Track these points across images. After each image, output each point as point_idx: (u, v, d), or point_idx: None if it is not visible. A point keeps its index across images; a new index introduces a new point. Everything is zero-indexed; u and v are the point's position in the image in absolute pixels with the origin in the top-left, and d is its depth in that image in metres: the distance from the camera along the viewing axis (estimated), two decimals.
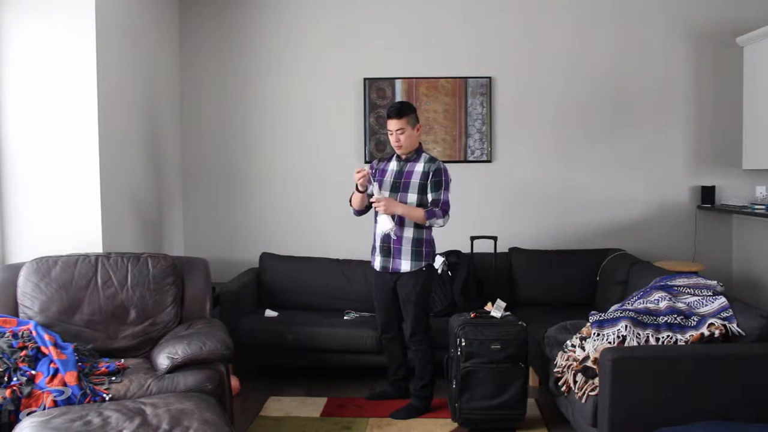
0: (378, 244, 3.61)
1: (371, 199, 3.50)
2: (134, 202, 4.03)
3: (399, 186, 3.56)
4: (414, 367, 3.68)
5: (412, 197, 3.52)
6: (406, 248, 3.53)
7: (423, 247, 3.56)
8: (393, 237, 3.51)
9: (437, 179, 3.53)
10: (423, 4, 4.80)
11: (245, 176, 4.89)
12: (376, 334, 3.99)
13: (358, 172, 3.48)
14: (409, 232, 3.53)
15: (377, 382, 4.02)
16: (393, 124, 3.53)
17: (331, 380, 4.16)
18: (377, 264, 3.64)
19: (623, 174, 4.81)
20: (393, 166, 3.64)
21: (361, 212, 3.74)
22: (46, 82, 3.51)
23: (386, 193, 3.54)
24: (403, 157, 3.61)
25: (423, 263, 3.56)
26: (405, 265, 3.55)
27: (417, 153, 3.61)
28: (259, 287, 4.61)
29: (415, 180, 3.54)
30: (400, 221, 3.52)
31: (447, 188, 3.56)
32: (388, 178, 3.60)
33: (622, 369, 2.70)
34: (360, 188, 3.56)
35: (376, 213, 3.59)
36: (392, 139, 3.56)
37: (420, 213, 3.48)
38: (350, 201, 3.71)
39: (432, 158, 3.62)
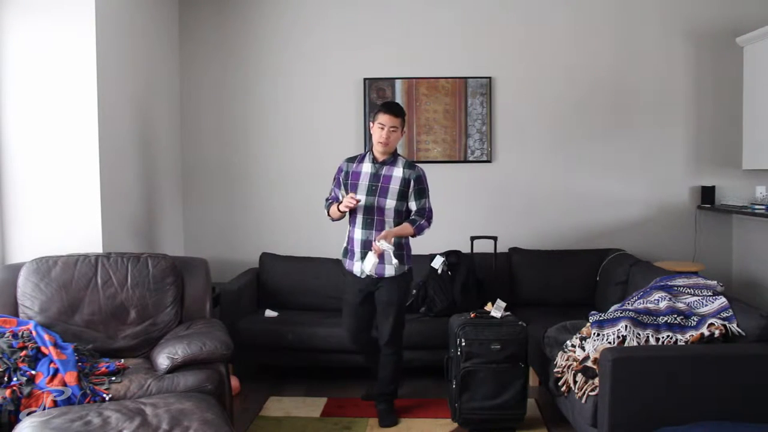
0: (358, 249, 3.46)
1: (377, 247, 3.29)
2: (134, 203, 4.03)
3: (376, 190, 3.43)
4: (382, 370, 3.59)
5: (390, 203, 3.42)
6: (384, 254, 3.42)
7: (404, 251, 3.50)
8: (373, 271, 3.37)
9: (420, 187, 3.48)
10: (423, 4, 4.80)
11: (245, 176, 4.89)
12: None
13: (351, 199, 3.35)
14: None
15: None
16: (389, 120, 3.41)
17: (331, 380, 4.16)
18: (358, 269, 3.49)
19: (623, 174, 4.81)
20: (368, 168, 3.49)
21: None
22: (46, 82, 3.51)
23: (358, 210, 3.44)
24: (381, 159, 3.48)
25: (405, 267, 3.51)
26: (390, 270, 3.44)
27: (393, 156, 3.50)
28: (259, 287, 4.61)
29: (395, 186, 3.43)
30: (380, 227, 3.42)
31: (428, 195, 3.52)
32: (363, 182, 3.46)
33: (622, 369, 2.70)
34: (342, 209, 3.41)
35: (353, 219, 3.48)
36: (381, 134, 3.41)
37: (410, 230, 3.42)
38: (328, 212, 3.56)
39: (411, 164, 3.53)
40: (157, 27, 4.48)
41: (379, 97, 4.78)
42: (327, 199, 3.62)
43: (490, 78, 4.79)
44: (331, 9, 4.81)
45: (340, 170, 3.59)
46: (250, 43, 4.84)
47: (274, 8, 4.83)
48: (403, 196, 3.45)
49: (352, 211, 3.47)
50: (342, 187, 3.55)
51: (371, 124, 3.51)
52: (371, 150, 3.54)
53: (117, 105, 3.78)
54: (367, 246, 3.41)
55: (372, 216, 3.43)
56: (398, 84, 4.79)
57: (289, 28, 4.83)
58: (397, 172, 3.46)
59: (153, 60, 4.38)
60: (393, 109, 3.46)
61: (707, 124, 4.77)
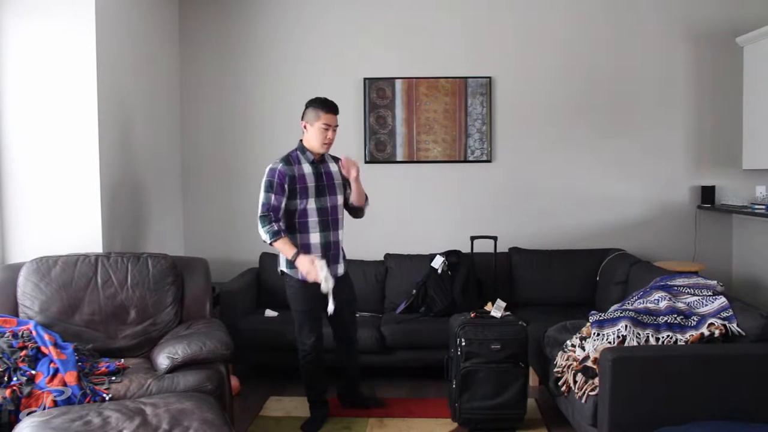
0: (319, 253, 3.32)
1: (350, 179, 3.40)
2: (134, 202, 4.03)
3: (325, 190, 3.38)
4: (350, 373, 3.68)
5: (340, 198, 3.46)
6: (340, 252, 3.47)
7: (343, 247, 3.55)
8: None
9: None
10: (423, 4, 4.80)
11: (245, 176, 4.88)
12: (376, 334, 4.01)
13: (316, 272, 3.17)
14: (341, 235, 3.46)
15: (377, 382, 4.02)
16: (333, 120, 3.36)
17: (331, 380, 4.15)
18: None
19: (623, 174, 4.81)
20: (308, 169, 3.35)
21: None
22: (46, 82, 3.51)
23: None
24: (318, 158, 3.39)
25: (346, 262, 3.56)
26: (340, 269, 3.48)
27: (323, 153, 3.46)
28: (259, 287, 4.61)
29: (338, 181, 3.46)
30: (335, 226, 3.40)
31: None
32: (310, 184, 3.33)
33: (622, 369, 2.70)
34: (318, 279, 3.18)
35: (303, 226, 3.33)
36: (327, 134, 3.32)
37: (363, 194, 3.52)
38: (274, 240, 3.22)
39: (335, 157, 3.53)
40: (157, 27, 4.48)
41: (379, 97, 4.79)
42: (267, 209, 3.24)
43: (490, 78, 4.79)
44: (331, 9, 4.81)
45: (282, 175, 3.26)
46: (250, 43, 4.84)
47: (274, 8, 4.83)
48: (345, 188, 3.51)
49: (300, 217, 3.33)
50: (286, 194, 3.28)
51: (305, 125, 3.37)
52: (304, 150, 3.39)
53: (117, 105, 3.78)
54: (328, 248, 3.36)
55: (327, 216, 3.37)
56: (398, 84, 4.79)
57: (289, 28, 4.83)
58: (333, 167, 3.49)
59: (153, 60, 4.38)
60: (334, 107, 3.39)
61: (707, 124, 4.78)
